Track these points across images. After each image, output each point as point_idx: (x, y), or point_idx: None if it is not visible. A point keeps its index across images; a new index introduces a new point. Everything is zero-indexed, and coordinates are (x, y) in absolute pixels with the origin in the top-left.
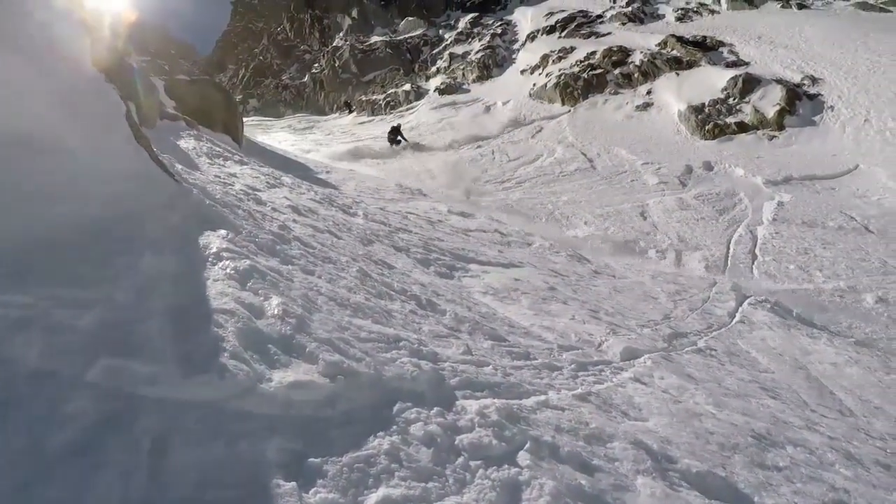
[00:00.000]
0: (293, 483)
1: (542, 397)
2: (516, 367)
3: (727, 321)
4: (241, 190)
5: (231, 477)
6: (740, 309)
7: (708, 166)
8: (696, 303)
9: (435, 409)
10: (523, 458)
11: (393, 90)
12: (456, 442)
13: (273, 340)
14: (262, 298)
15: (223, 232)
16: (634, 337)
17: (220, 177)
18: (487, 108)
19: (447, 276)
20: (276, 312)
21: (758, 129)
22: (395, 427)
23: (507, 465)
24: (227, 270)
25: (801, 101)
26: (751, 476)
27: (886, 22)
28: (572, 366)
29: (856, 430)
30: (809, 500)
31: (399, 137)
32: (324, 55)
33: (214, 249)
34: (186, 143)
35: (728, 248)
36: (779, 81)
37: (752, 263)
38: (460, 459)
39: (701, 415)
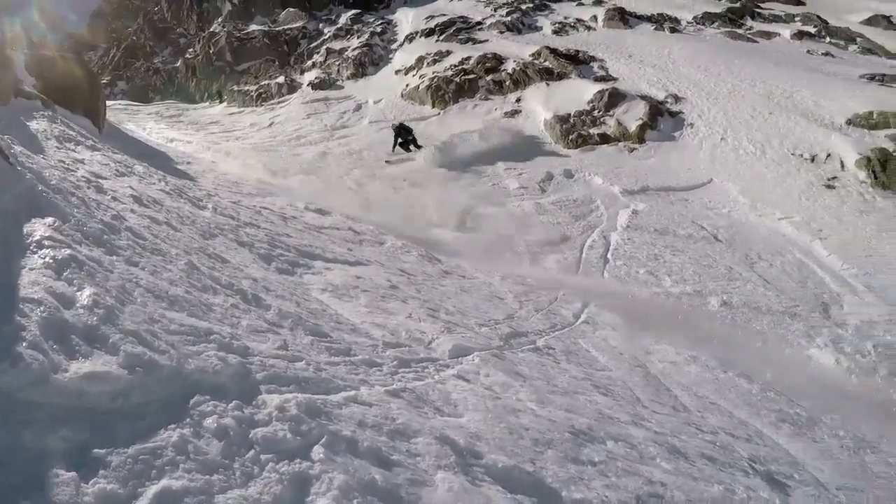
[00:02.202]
0: (73, 473)
1: (352, 393)
2: (332, 363)
3: (572, 321)
4: (83, 177)
5: (10, 465)
6: (586, 310)
7: (568, 174)
8: (542, 303)
9: (234, 402)
10: (317, 452)
11: (266, 82)
12: (250, 435)
13: (77, 331)
14: (74, 289)
15: (50, 220)
16: (470, 335)
17: (64, 162)
18: (358, 106)
19: (288, 273)
20: (85, 303)
21: (619, 142)
22: (188, 420)
23: (299, 460)
24: (46, 259)
25: (662, 118)
26: (561, 471)
27: (752, 51)
28: (394, 362)
29: (687, 424)
30: (622, 494)
31: (408, 142)
32: (199, 40)
33: (37, 237)
34: (38, 125)
35: (581, 252)
36: (643, 97)
37: (604, 267)
38: (251, 453)
39: (520, 411)
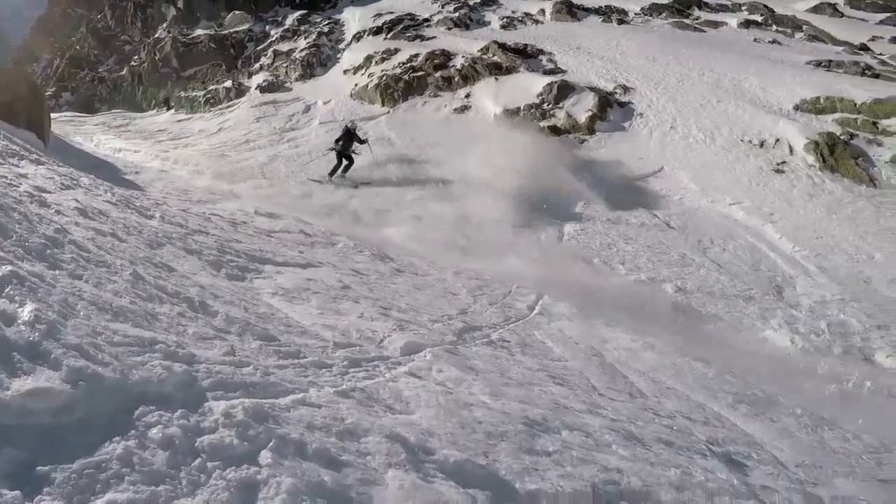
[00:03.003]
0: (17, 492)
1: (301, 395)
2: (281, 367)
3: (526, 313)
4: (25, 192)
5: None
6: (541, 301)
7: None
8: (496, 297)
9: (179, 411)
10: (265, 456)
11: (214, 87)
12: (196, 444)
13: (19, 347)
14: (16, 305)
15: None
16: (423, 332)
17: (6, 178)
18: (307, 108)
19: (238, 279)
20: (27, 319)
21: (570, 133)
22: (133, 431)
23: (246, 465)
24: None
25: (612, 108)
26: (515, 463)
27: (699, 40)
28: (344, 363)
29: (644, 410)
30: (577, 482)
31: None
32: (144, 47)
33: None
34: None
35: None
36: (592, 89)
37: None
38: (197, 461)
39: (472, 405)
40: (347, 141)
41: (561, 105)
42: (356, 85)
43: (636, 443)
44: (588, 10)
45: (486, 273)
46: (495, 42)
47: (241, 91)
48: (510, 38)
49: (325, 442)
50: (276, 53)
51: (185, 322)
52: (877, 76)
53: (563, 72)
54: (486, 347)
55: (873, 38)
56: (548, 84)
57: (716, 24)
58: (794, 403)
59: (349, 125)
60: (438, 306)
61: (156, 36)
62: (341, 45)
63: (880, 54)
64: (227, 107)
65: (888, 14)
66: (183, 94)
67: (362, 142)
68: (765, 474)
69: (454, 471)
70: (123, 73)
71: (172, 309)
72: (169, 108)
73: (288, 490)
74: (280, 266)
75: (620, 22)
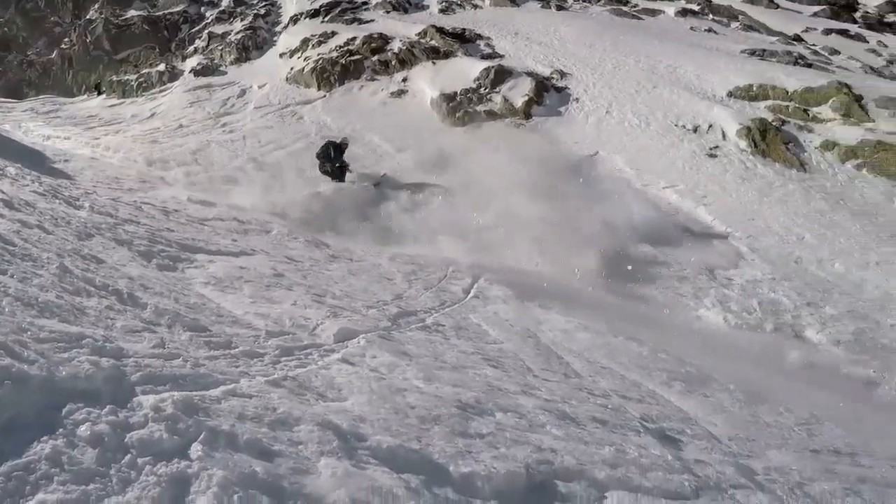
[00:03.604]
0: None
1: (231, 386)
2: (211, 358)
3: (462, 297)
4: None
5: None
6: (476, 285)
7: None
8: (432, 281)
9: (108, 407)
10: (195, 449)
11: (147, 70)
12: (126, 440)
13: None
14: None
15: None
16: (357, 318)
17: None
18: (243, 92)
19: (169, 269)
20: None
21: (506, 118)
22: (61, 430)
23: (177, 459)
24: None
25: (548, 93)
26: (448, 446)
27: (636, 27)
28: (277, 351)
29: (578, 390)
30: (511, 464)
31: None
32: (75, 29)
33: None
34: None
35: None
36: (529, 74)
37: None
38: (127, 457)
39: (405, 390)
40: (337, 155)
41: (498, 90)
42: (292, 68)
43: (570, 422)
44: None
45: (421, 258)
46: (433, 26)
47: (174, 75)
48: (448, 22)
49: (257, 432)
50: (212, 36)
51: (114, 315)
52: (809, 66)
53: (501, 57)
54: (421, 332)
55: (807, 30)
56: (485, 69)
57: (653, 12)
58: (727, 379)
59: (340, 141)
60: (373, 292)
61: (87, 17)
62: (278, 28)
63: (812, 45)
64: (160, 91)
65: (821, 6)
66: (115, 78)
67: (347, 166)
68: (698, 449)
69: (387, 456)
70: (53, 56)
71: (100, 302)
72: (100, 93)
73: (219, 483)
74: (212, 255)
75: (559, 8)
